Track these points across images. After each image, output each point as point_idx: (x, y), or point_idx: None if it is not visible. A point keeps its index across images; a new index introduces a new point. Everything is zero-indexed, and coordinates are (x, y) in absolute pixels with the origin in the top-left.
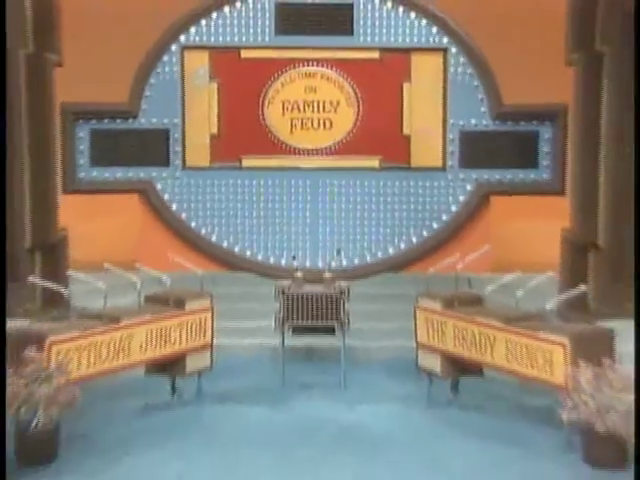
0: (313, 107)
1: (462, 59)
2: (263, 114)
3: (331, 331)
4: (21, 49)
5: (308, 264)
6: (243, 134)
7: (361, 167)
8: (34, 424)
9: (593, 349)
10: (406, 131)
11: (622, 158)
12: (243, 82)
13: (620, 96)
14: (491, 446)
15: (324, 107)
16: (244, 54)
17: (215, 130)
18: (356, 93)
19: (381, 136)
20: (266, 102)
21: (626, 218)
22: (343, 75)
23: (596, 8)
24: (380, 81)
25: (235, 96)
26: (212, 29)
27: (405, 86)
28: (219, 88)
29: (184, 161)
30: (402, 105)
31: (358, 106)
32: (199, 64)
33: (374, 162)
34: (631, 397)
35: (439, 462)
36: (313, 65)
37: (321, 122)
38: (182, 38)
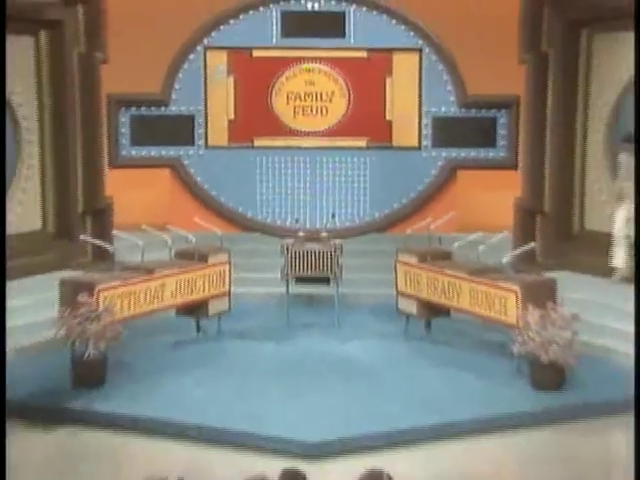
0: (312, 97)
1: (434, 57)
2: (271, 103)
3: (327, 281)
4: (75, 49)
5: (308, 226)
6: (255, 119)
7: (351, 146)
8: (86, 355)
9: (539, 295)
10: (388, 117)
11: (564, 139)
12: (255, 77)
13: (562, 89)
14: (456, 372)
15: (321, 97)
16: (255, 53)
17: (232, 116)
18: (347, 85)
19: (368, 121)
20: (273, 93)
21: (567, 189)
22: (337, 71)
23: (542, 17)
24: (367, 76)
25: (248, 88)
26: (230, 33)
27: (388, 80)
28: (235, 82)
29: (206, 141)
30: (385, 95)
31: (349, 96)
32: (219, 62)
33: (362, 142)
34: (569, 333)
35: (414, 385)
36: (312, 62)
37: (319, 109)
38: (205, 40)
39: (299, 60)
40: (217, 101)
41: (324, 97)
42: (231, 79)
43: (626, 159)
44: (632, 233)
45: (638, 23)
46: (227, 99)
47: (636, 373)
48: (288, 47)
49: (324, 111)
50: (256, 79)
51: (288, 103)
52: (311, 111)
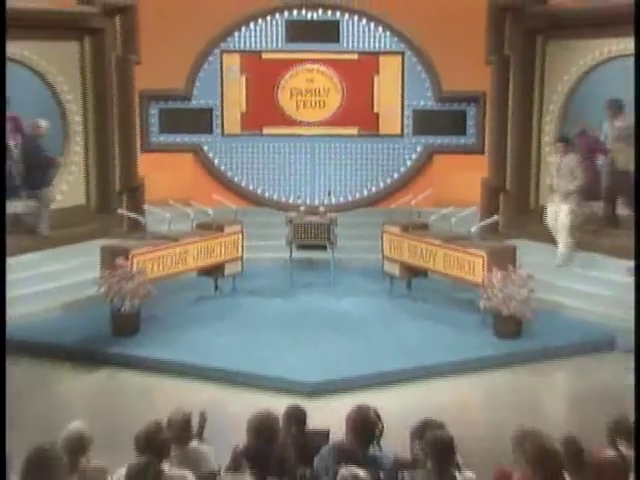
0: (311, 92)
1: (414, 59)
2: (277, 97)
3: (324, 248)
4: (113, 53)
5: (308, 201)
6: (263, 111)
7: (345, 134)
8: (123, 309)
9: (502, 259)
10: (376, 109)
11: (523, 129)
12: (263, 75)
13: (521, 86)
14: (432, 324)
15: (319, 92)
16: (264, 56)
17: (244, 109)
18: (341, 83)
19: (358, 113)
20: (279, 89)
21: (525, 171)
22: (332, 70)
23: (504, 26)
24: (358, 75)
25: (257, 85)
26: (242, 39)
27: (375, 78)
28: (246, 80)
29: (223, 130)
30: (373, 91)
31: (342, 92)
32: (233, 63)
33: (354, 131)
34: (526, 291)
35: (397, 334)
36: (311, 63)
37: (317, 103)
38: (221, 45)
39: (301, 61)
40: (231, 96)
41: (321, 92)
42: (243, 77)
43: (556, 159)
44: (569, 224)
45: (638, 23)
46: (240, 94)
47: (636, 369)
48: (291, 50)
49: (321, 104)
50: (264, 77)
51: (291, 98)
52: (310, 104)
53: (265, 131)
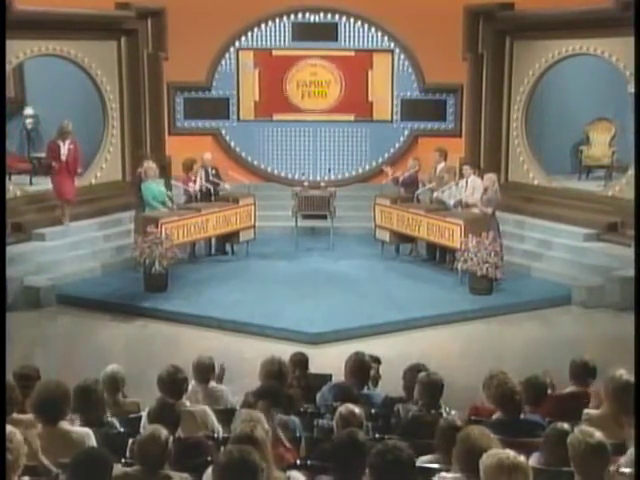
0: (315, 84)
1: (402, 56)
2: (285, 88)
3: (325, 217)
4: (145, 50)
5: (311, 178)
6: (273, 100)
7: (343, 120)
8: (153, 269)
9: (477, 227)
10: (370, 99)
11: (494, 116)
12: (273, 70)
13: (493, 80)
14: (417, 282)
15: (321, 84)
16: (274, 53)
17: (257, 98)
18: (340, 76)
19: (355, 102)
20: (287, 81)
21: (496, 152)
22: (332, 65)
23: (478, 28)
24: (354, 69)
25: (268, 78)
26: (254, 38)
27: (369, 72)
28: (259, 73)
29: (238, 116)
30: (367, 83)
31: (341, 84)
32: (247, 59)
33: (351, 117)
34: (497, 258)
35: (387, 292)
36: (314, 59)
37: (320, 93)
38: (237, 43)
39: (305, 57)
40: (246, 87)
41: (323, 84)
42: (256, 71)
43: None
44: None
45: (638, 23)
46: (253, 86)
47: (636, 373)
48: (297, 48)
49: (324, 95)
50: (274, 71)
51: (298, 88)
52: (314, 94)
53: (275, 117)
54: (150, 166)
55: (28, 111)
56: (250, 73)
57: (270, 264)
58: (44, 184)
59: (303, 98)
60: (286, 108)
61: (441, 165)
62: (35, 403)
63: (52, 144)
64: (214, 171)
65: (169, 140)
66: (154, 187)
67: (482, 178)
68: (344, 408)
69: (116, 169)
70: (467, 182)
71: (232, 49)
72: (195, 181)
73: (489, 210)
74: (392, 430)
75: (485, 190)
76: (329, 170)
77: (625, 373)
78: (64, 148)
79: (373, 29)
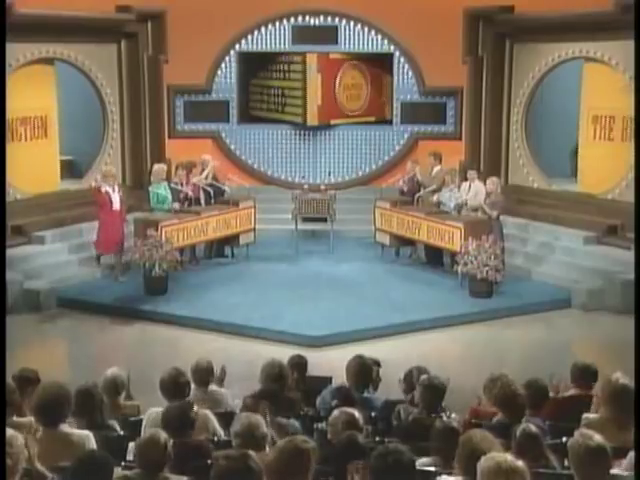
0: (353, 87)
1: (402, 59)
2: (336, 92)
3: (325, 220)
4: (145, 53)
5: (311, 180)
6: (329, 105)
7: (368, 122)
8: (153, 272)
9: (477, 231)
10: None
11: (494, 119)
12: (329, 73)
13: (493, 82)
14: (417, 285)
15: (356, 87)
16: (331, 56)
17: (320, 102)
18: (367, 78)
19: (377, 104)
20: (337, 85)
21: (496, 154)
22: (363, 66)
23: (478, 31)
24: (375, 71)
25: (326, 82)
26: (255, 41)
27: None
28: (322, 78)
29: (238, 119)
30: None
31: (368, 86)
32: (312, 62)
33: (372, 119)
34: (498, 261)
35: (387, 294)
36: (354, 61)
37: (355, 97)
38: (237, 46)
39: (346, 60)
40: (311, 92)
41: (357, 87)
42: (319, 76)
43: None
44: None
45: (638, 26)
46: (316, 90)
47: (636, 373)
48: (297, 51)
49: (357, 97)
50: (329, 75)
51: (344, 92)
52: (352, 98)
53: (332, 122)
54: (161, 168)
55: None
56: (314, 77)
57: (270, 267)
58: None
59: (347, 101)
60: (338, 113)
61: (437, 168)
62: (36, 405)
63: (100, 191)
64: (211, 174)
65: (169, 143)
66: (161, 190)
67: (483, 181)
68: (341, 413)
69: (116, 172)
70: (470, 186)
71: (232, 52)
72: (189, 182)
73: (494, 213)
74: (392, 433)
75: (489, 193)
76: (329, 173)
77: (621, 376)
78: (115, 195)
79: (373, 32)
